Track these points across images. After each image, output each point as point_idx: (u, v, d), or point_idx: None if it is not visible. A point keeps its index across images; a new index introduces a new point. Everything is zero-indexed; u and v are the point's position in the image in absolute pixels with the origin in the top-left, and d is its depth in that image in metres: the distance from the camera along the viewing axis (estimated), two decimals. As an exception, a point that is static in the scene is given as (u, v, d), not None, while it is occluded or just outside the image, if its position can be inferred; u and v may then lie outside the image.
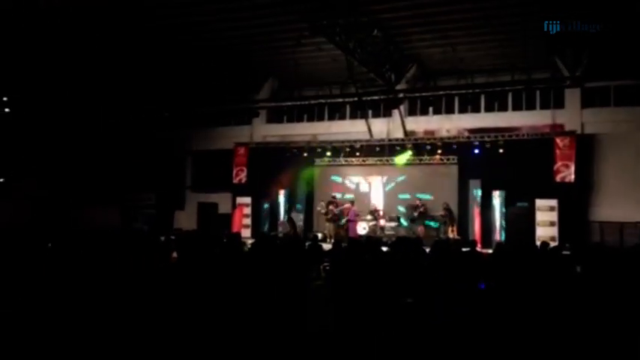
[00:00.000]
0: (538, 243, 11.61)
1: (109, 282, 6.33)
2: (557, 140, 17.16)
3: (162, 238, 10.86)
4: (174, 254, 8.91)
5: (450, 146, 18.66)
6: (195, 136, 23.67)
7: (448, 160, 19.05)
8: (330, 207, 18.72)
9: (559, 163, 16.97)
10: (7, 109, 19.12)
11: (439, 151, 18.77)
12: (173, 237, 11.33)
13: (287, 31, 16.53)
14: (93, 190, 20.53)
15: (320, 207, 19.42)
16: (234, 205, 21.00)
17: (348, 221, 18.45)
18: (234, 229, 18.82)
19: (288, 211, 20.42)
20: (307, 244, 11.16)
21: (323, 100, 20.34)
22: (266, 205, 20.61)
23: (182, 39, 17.93)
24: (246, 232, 19.22)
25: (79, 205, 19.37)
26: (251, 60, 20.17)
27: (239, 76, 21.26)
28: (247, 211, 20.64)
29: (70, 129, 20.64)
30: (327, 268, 10.36)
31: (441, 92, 18.68)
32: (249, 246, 10.29)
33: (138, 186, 22.74)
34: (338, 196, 19.89)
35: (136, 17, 16.20)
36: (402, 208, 19.34)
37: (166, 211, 22.74)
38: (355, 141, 19.99)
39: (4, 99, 19.14)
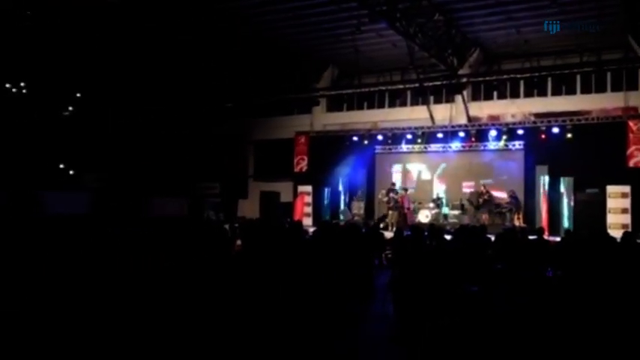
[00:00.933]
0: (611, 232, 11.14)
1: (180, 268, 6.54)
2: (631, 124, 16.35)
3: (227, 227, 11.14)
4: (239, 242, 9.11)
5: (516, 132, 18.14)
6: (257, 125, 24.02)
7: (514, 145, 18.57)
8: (391, 194, 18.59)
9: (632, 148, 16.17)
10: (69, 108, 19.96)
11: (504, 137, 18.29)
12: (237, 225, 11.59)
13: (347, 18, 16.45)
14: (162, 181, 21.21)
15: (381, 195, 19.33)
16: (295, 194, 21.19)
17: (407, 209, 18.32)
18: (296, 218, 19.02)
19: (348, 199, 20.45)
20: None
21: (383, 87, 20.14)
22: (326, 194, 20.68)
23: (242, 29, 18.10)
24: (307, 221, 19.39)
25: (149, 195, 20.06)
26: (311, 49, 20.21)
27: (299, 65, 21.35)
28: (308, 199, 20.76)
29: (136, 123, 21.36)
30: (390, 255, 10.33)
31: (506, 76, 18.11)
32: (310, 234, 10.39)
33: (204, 176, 23.35)
34: (398, 183, 19.75)
35: (196, 9, 16.51)
36: (465, 196, 18.97)
37: (230, 199, 23.21)
38: (417, 128, 19.72)
39: (78, 95, 20.00)
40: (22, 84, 18.77)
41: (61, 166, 19.40)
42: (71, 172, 19.39)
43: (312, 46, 19.96)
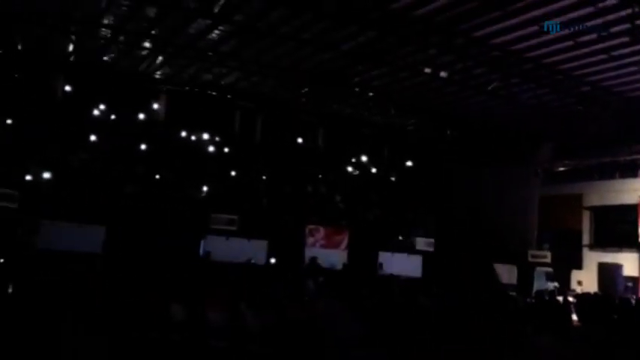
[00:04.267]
0: None
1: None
2: None
3: (561, 300, 10.56)
4: (574, 317, 8.54)
5: None
6: (594, 189, 22.32)
7: None
8: None
9: None
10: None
11: None
12: (572, 299, 10.89)
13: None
14: (494, 248, 21.38)
15: None
16: (642, 267, 18.87)
17: None
18: (644, 294, 16.85)
19: None
20: None
21: None
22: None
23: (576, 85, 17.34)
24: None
25: (478, 260, 20.41)
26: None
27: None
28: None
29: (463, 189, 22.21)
30: None
31: None
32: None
33: (535, 244, 22.72)
34: None
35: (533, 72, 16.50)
36: None
37: (563, 270, 21.84)
38: None
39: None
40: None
41: (400, 237, 21.27)
42: (405, 238, 21.08)
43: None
